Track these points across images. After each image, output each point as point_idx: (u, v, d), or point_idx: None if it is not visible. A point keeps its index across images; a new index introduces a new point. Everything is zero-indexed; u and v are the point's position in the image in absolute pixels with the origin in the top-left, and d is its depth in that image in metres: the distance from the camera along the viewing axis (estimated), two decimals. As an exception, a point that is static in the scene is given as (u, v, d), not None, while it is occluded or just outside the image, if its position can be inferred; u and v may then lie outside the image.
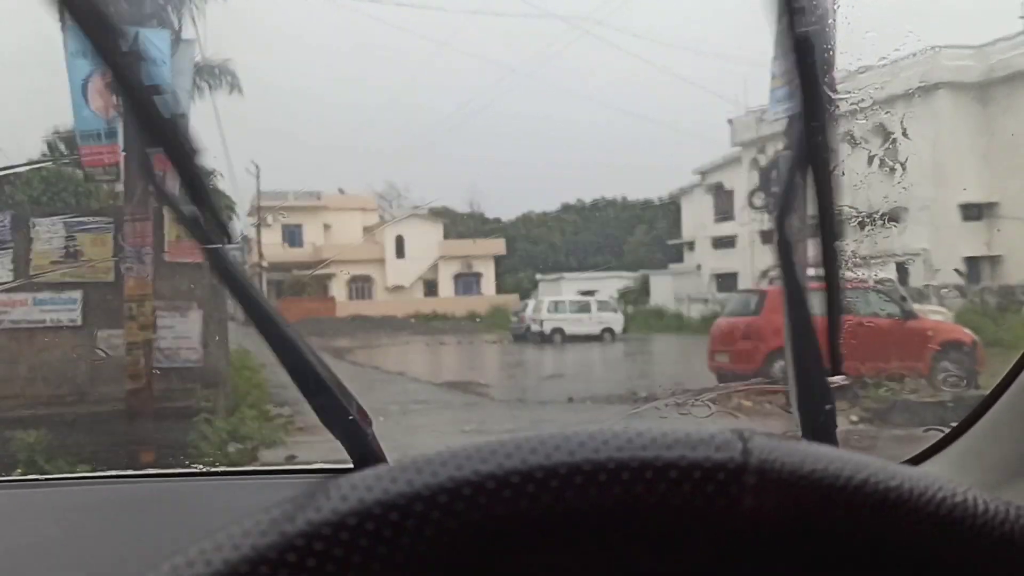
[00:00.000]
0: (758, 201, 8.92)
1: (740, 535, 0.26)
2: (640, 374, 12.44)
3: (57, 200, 8.62)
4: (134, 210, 6.90)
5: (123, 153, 6.79)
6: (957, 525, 0.29)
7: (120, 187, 7.33)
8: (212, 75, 11.09)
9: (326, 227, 29.09)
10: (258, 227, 22.98)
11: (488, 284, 28.09)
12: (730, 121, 16.89)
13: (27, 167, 8.82)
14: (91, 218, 8.00)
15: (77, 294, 7.88)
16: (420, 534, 0.26)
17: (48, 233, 7.88)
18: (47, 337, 7.87)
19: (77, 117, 7.12)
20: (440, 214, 30.67)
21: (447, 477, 0.27)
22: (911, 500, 0.28)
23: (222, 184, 10.06)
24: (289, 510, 0.29)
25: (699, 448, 0.26)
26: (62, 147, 11.61)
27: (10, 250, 7.76)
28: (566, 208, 31.79)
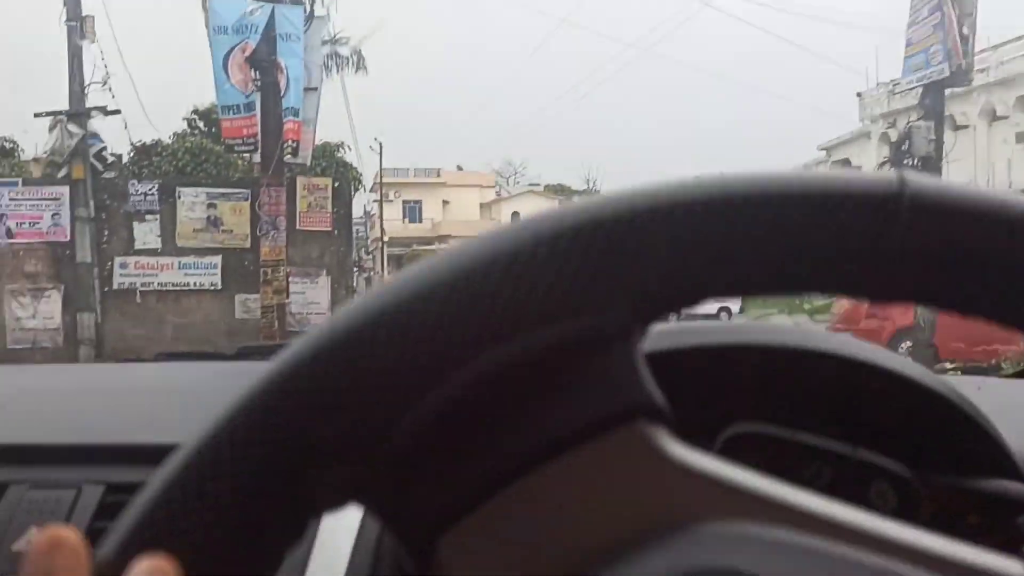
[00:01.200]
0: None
1: (895, 254, 0.28)
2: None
3: (200, 171, 9.13)
4: (269, 180, 7.23)
5: (259, 125, 7.13)
6: None
7: (257, 158, 7.69)
8: (340, 54, 11.49)
9: (444, 203, 29.53)
10: (380, 202, 23.52)
11: (603, 261, 27.73)
12: (859, 94, 16.20)
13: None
14: (230, 189, 8.52)
15: (217, 259, 8.40)
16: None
17: (192, 202, 8.38)
18: (191, 300, 8.39)
19: (219, 91, 7.51)
20: (556, 190, 30.69)
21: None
22: None
23: (350, 158, 10.39)
24: None
25: (855, 182, 0.29)
26: (202, 124, 12.26)
27: (158, 218, 8.28)
28: (684, 185, 30.98)
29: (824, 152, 21.10)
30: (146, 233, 8.30)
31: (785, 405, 0.44)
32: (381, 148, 22.67)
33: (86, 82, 7.76)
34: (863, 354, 0.46)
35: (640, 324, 0.29)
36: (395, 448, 0.27)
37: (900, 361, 0.47)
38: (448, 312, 0.27)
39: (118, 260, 8.17)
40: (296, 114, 7.33)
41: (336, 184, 8.81)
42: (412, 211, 29.43)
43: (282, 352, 0.27)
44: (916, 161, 8.54)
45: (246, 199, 8.30)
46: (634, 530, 0.27)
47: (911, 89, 9.84)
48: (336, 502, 0.28)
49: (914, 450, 0.44)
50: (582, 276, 0.27)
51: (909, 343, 8.23)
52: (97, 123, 7.98)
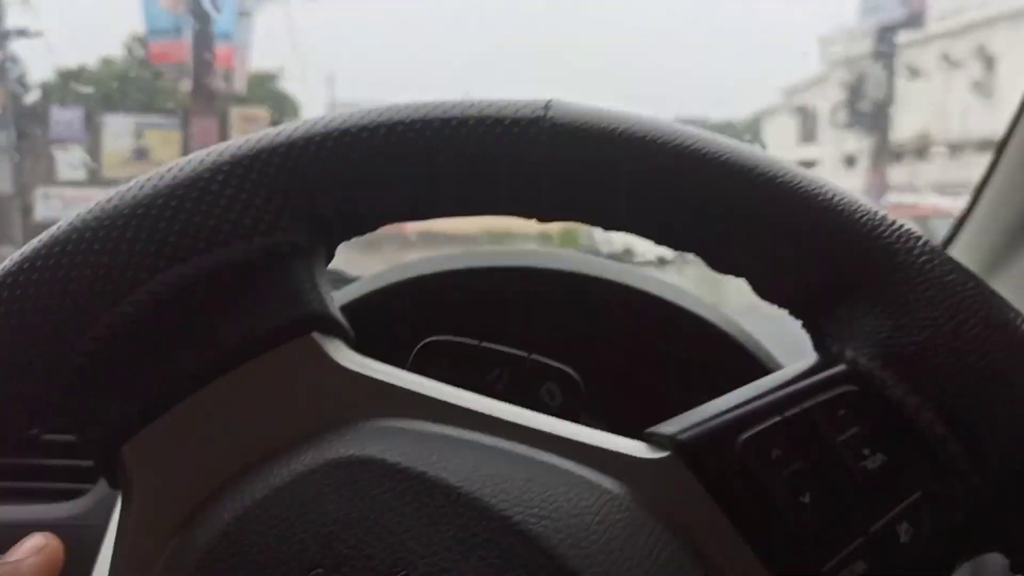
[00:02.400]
0: (841, 118, 8.50)
1: (537, 173, 0.32)
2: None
3: (127, 98, 8.70)
4: (201, 109, 6.90)
5: (192, 50, 6.78)
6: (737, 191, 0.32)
7: (188, 85, 7.33)
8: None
9: (398, 139, 28.98)
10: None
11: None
12: (818, 39, 16.13)
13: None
14: (160, 118, 8.08)
15: (146, 192, 7.97)
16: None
17: (118, 131, 7.98)
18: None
19: (147, 13, 7.12)
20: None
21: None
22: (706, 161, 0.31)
23: (294, 88, 10.00)
24: None
25: (503, 108, 0.32)
26: (133, 47, 11.75)
27: (83, 147, 7.88)
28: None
29: (782, 95, 21.03)
30: (70, 163, 7.92)
31: (486, 319, 0.49)
32: (333, 79, 22.13)
33: (3, 2, 7.27)
34: (579, 268, 0.52)
35: (319, 245, 0.32)
36: (77, 364, 0.29)
37: (635, 277, 0.52)
38: (125, 236, 0.29)
39: (40, 191, 7.78)
40: (229, 39, 6.97)
41: (272, 115, 8.48)
42: (365, 146, 28.92)
43: None
44: (870, 106, 8.50)
45: (176, 129, 7.94)
46: (302, 429, 0.30)
47: (867, 34, 9.76)
48: (28, 419, 0.30)
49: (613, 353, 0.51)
50: (254, 201, 0.30)
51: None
52: (18, 46, 7.52)
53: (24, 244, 0.31)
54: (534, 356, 0.39)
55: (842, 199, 0.32)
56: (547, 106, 0.32)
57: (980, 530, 0.30)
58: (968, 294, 0.31)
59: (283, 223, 0.31)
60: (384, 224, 0.34)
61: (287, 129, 0.32)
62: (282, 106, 9.45)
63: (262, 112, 8.37)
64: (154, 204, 0.30)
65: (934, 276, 0.31)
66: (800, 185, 0.32)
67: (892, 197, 8.43)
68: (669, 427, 0.31)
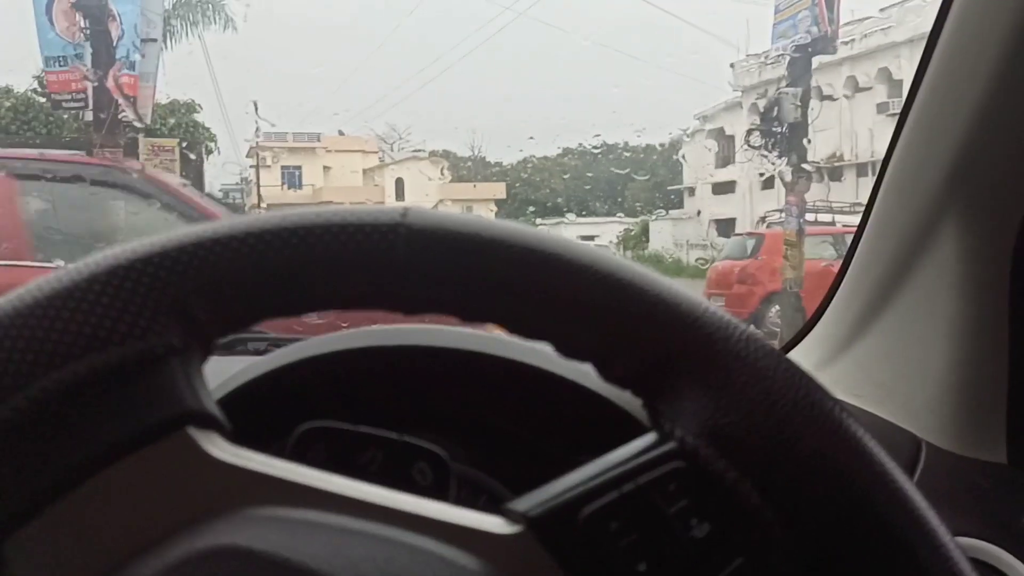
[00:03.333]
0: (755, 140, 8.65)
1: (397, 272, 0.34)
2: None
3: (27, 130, 8.35)
4: (103, 140, 6.63)
5: (92, 78, 6.52)
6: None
7: (89, 115, 7.04)
8: (204, 9, 10.76)
9: (326, 169, 28.69)
10: (257, 168, 22.70)
11: (488, 229, 27.72)
12: (732, 65, 16.53)
13: None
14: (62, 150, 7.76)
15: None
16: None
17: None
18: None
19: (42, 40, 6.81)
20: (441, 157, 30.28)
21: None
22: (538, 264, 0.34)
23: (212, 122, 9.77)
24: None
25: (365, 215, 0.34)
26: (31, 75, 11.31)
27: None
28: (567, 152, 31.38)
29: (699, 120, 21.47)
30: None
31: (358, 401, 0.52)
32: (256, 110, 21.84)
33: None
34: (436, 342, 0.55)
35: (193, 345, 0.33)
36: None
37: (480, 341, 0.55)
38: (4, 345, 0.30)
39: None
40: (132, 67, 6.73)
41: (184, 146, 8.24)
42: (292, 177, 28.50)
43: None
44: (784, 128, 8.66)
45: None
46: (176, 521, 0.31)
47: (780, 58, 10.00)
48: None
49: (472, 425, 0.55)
50: (129, 308, 0.32)
51: (778, 307, 8.39)
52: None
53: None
54: (405, 438, 0.40)
55: (669, 293, 0.35)
56: (404, 212, 0.34)
57: None
58: (779, 377, 0.34)
59: (157, 328, 0.32)
60: (257, 323, 0.35)
61: (161, 240, 0.33)
62: (197, 136, 9.24)
63: (171, 142, 8.15)
64: (33, 314, 0.31)
65: (749, 360, 0.34)
66: (630, 281, 0.35)
67: (809, 216, 8.59)
68: (521, 504, 0.33)
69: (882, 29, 13.84)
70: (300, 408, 0.45)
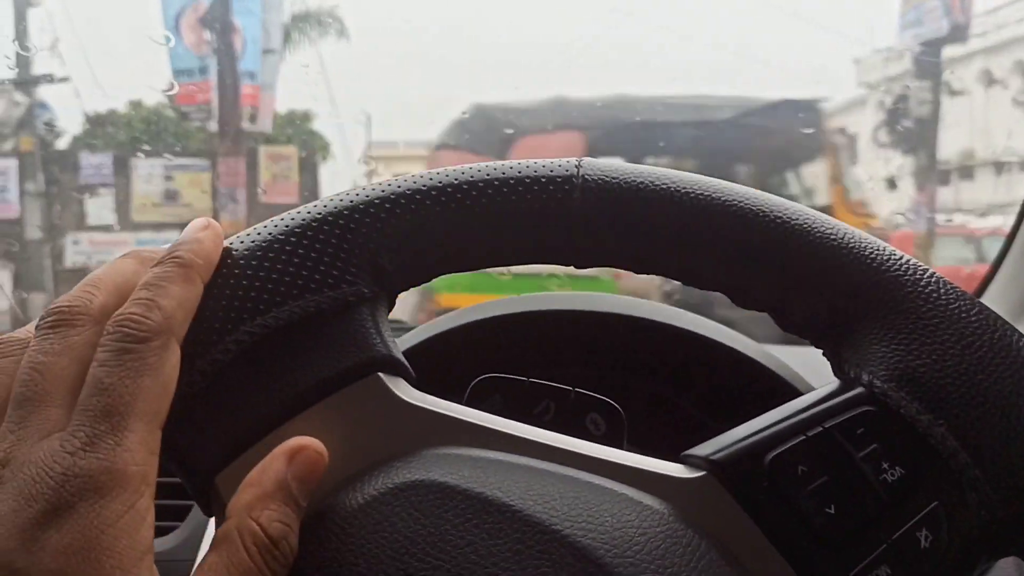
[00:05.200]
0: (883, 137, 8.26)
1: (571, 224, 0.35)
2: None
3: (157, 140, 8.71)
4: (227, 149, 6.84)
5: (216, 90, 6.75)
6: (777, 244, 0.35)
7: (214, 126, 7.30)
8: (319, 21, 11.01)
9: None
10: (368, 175, 23.30)
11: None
12: (856, 60, 15.94)
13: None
14: (188, 159, 8.05)
15: (175, 234, 7.85)
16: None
17: (147, 174, 7.96)
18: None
19: (170, 54, 7.11)
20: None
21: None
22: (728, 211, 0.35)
23: (328, 130, 9.97)
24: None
25: (540, 168, 0.36)
26: (161, 87, 11.83)
27: (112, 191, 7.88)
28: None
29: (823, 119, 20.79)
30: (100, 208, 7.93)
31: (532, 360, 0.57)
32: (369, 120, 22.44)
33: (32, 48, 7.32)
34: (613, 310, 0.57)
35: (381, 294, 0.35)
36: (183, 398, 0.32)
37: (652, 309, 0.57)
38: (225, 290, 0.34)
39: (70, 237, 7.79)
40: (253, 78, 6.94)
41: (303, 154, 8.44)
42: (400, 186, 29.20)
43: None
44: (912, 125, 8.26)
45: (205, 170, 7.92)
46: (372, 458, 0.33)
47: (907, 52, 9.55)
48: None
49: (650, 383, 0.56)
50: (323, 259, 0.34)
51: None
52: (45, 92, 7.57)
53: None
54: (578, 390, 0.42)
55: (853, 238, 0.35)
56: (579, 164, 0.36)
57: (996, 535, 0.32)
58: (973, 319, 0.34)
59: (349, 277, 0.34)
60: (438, 275, 0.37)
61: (349, 195, 0.36)
62: (313, 145, 9.44)
63: (290, 150, 8.34)
64: (237, 265, 0.35)
65: (940, 303, 0.34)
66: (814, 228, 0.35)
67: (940, 218, 8.16)
68: (703, 449, 0.33)
69: (1018, 20, 13.09)
70: (471, 365, 0.47)
